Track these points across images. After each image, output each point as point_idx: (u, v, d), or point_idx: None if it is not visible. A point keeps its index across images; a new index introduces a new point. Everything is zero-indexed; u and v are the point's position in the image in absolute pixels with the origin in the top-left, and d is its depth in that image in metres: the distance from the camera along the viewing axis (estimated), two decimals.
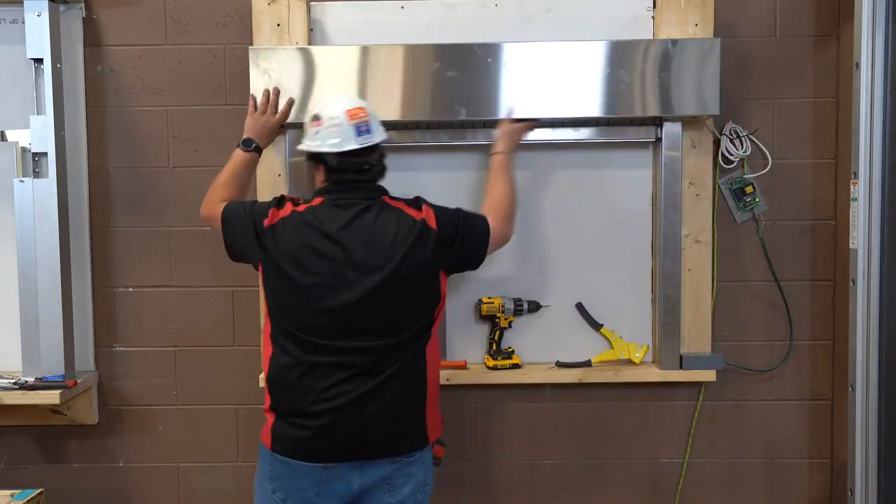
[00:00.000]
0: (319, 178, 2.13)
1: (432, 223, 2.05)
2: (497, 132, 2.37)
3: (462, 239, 2.08)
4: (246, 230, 2.07)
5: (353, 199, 2.05)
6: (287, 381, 2.01)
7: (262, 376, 2.08)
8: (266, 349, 2.08)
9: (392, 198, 2.10)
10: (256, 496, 2.10)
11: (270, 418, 2.05)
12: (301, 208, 2.06)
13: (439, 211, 2.09)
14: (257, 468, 2.10)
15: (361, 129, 2.07)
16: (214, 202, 2.22)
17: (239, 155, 2.32)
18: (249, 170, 2.34)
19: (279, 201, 2.09)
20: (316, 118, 2.10)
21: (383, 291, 1.98)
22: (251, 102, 2.41)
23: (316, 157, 2.11)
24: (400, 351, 2.01)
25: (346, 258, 1.98)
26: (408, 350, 2.02)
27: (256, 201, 2.16)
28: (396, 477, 2.03)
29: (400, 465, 2.03)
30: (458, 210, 2.13)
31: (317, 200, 2.07)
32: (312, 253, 1.99)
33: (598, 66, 2.42)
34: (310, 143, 2.11)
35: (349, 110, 2.08)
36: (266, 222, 2.05)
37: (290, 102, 2.42)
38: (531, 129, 2.45)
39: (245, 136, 2.35)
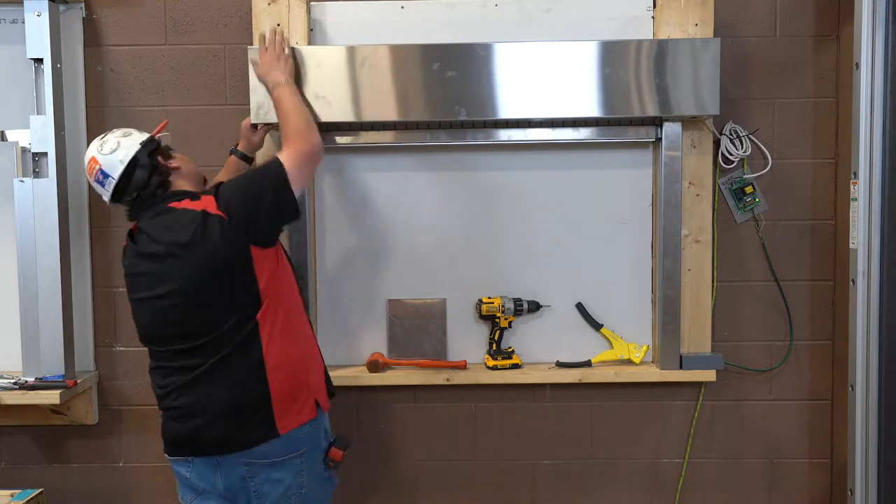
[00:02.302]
0: None
1: (212, 209, 1.96)
2: (258, 70, 2.33)
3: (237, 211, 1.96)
4: None
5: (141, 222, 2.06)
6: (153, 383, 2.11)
7: None
8: None
9: (180, 197, 2.04)
10: None
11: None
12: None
13: (217, 192, 2.00)
14: None
15: (99, 178, 2.06)
16: None
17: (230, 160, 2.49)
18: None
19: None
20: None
21: (181, 297, 1.97)
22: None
23: None
24: (212, 354, 1.97)
25: (143, 272, 2.02)
26: (222, 347, 1.97)
27: None
28: (258, 482, 2.01)
29: (256, 466, 2.00)
30: (228, 183, 2.04)
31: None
32: (129, 273, 2.07)
33: (597, 66, 2.42)
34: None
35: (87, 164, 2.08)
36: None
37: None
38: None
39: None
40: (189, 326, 1.97)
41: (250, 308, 1.97)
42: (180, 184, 2.09)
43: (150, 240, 1.99)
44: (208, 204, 1.97)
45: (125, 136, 2.08)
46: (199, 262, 1.93)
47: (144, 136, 2.09)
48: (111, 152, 2.04)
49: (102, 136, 2.10)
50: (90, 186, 2.27)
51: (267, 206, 1.96)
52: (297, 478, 2.04)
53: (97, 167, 2.05)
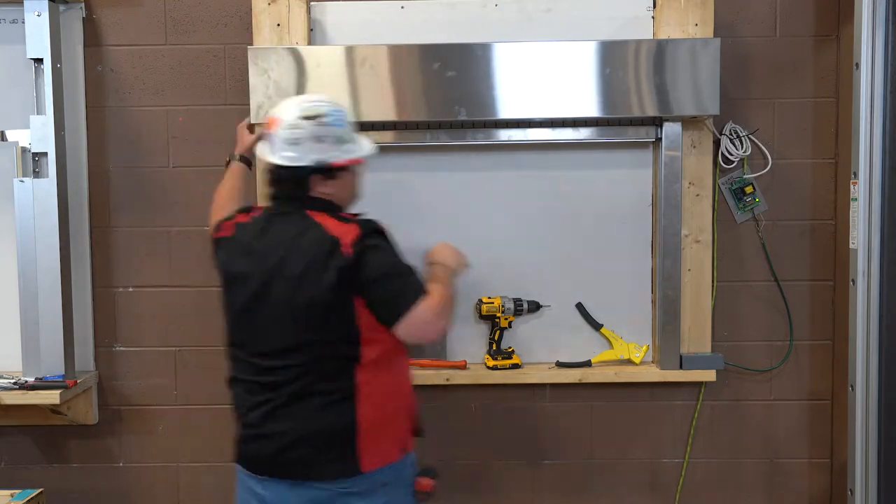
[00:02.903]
0: None
1: (345, 245, 1.82)
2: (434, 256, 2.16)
3: (363, 265, 1.82)
4: (211, 241, 2.10)
5: (272, 208, 1.97)
6: (232, 391, 2.00)
7: None
8: None
9: (320, 211, 1.91)
10: None
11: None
12: (245, 218, 2.00)
13: (364, 230, 1.85)
14: None
15: (266, 136, 1.96)
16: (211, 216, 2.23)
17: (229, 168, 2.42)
18: (238, 178, 2.37)
19: (239, 211, 2.06)
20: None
21: (289, 310, 1.85)
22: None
23: None
24: (312, 373, 1.86)
25: (253, 275, 1.90)
26: (322, 373, 1.86)
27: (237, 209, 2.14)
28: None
29: (334, 493, 1.89)
30: (381, 235, 1.89)
31: (259, 210, 2.02)
32: (233, 272, 1.95)
33: (597, 66, 2.42)
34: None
35: (269, 114, 1.98)
36: (216, 235, 2.04)
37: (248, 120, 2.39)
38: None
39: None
40: (289, 344, 1.86)
41: (351, 336, 1.86)
42: (323, 192, 1.95)
43: (271, 243, 1.89)
44: (346, 235, 1.83)
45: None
46: (311, 287, 1.82)
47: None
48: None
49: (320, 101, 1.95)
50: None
51: (388, 292, 1.84)
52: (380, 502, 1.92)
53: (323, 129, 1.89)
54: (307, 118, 1.89)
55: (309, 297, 1.83)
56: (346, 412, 1.87)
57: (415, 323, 1.84)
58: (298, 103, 1.94)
